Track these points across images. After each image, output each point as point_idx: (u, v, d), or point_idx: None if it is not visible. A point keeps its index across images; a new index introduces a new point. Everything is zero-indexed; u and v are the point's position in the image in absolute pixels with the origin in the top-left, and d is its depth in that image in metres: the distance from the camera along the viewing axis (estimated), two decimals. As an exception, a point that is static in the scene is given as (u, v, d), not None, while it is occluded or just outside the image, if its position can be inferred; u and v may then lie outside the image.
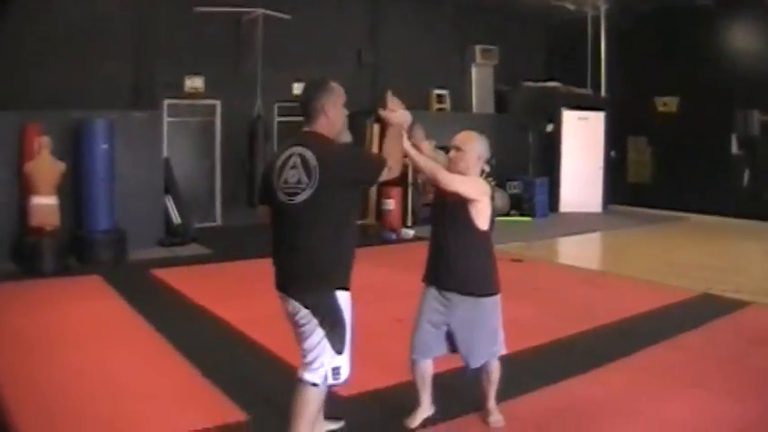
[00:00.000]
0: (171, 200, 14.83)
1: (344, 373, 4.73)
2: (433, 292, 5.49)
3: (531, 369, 6.91)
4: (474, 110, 20.97)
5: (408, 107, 14.62)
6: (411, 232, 15.99)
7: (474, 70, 21.04)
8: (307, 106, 4.78)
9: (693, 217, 19.28)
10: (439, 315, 5.43)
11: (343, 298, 4.66)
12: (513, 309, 8.95)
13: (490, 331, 5.45)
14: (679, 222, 19.05)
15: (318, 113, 4.74)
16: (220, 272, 12.11)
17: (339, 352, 4.65)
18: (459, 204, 5.29)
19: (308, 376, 4.65)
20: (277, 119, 17.93)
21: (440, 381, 5.82)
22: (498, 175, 18.37)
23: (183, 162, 16.49)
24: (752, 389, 6.60)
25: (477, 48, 20.74)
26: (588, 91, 21.40)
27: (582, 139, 20.69)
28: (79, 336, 8.27)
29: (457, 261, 5.36)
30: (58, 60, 14.20)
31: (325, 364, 4.62)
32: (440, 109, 20.30)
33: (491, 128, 18.87)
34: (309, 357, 4.65)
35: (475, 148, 5.51)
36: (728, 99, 18.59)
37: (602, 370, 7.03)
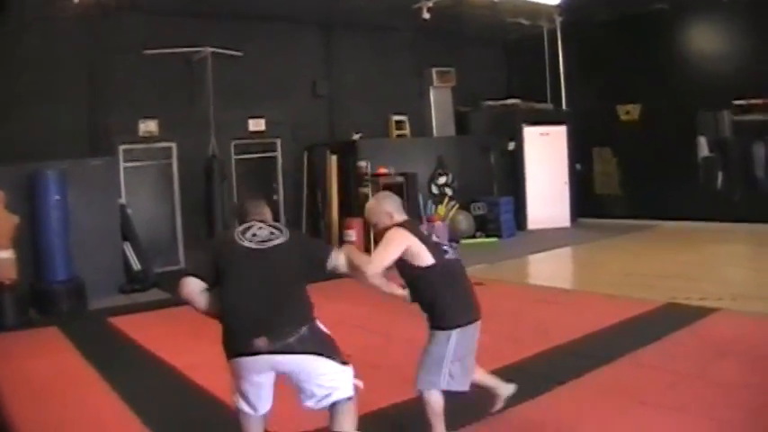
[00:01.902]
0: (129, 246, 14.65)
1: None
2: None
3: (477, 398, 6.72)
4: (435, 133, 20.73)
5: (367, 135, 14.73)
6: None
7: (432, 93, 20.84)
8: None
9: (664, 224, 19.25)
10: None
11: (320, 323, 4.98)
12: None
13: (434, 360, 5.44)
14: (648, 231, 18.95)
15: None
16: (177, 317, 11.71)
17: (345, 363, 4.93)
18: (401, 261, 5.44)
19: (338, 395, 4.86)
20: (234, 157, 17.76)
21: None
22: (462, 197, 18.34)
23: (143, 206, 16.31)
24: (704, 404, 6.35)
25: (434, 70, 20.57)
26: (549, 105, 21.31)
27: (545, 155, 20.57)
28: (28, 391, 8.09)
29: (420, 301, 5.61)
30: (10, 111, 14.02)
31: (347, 378, 4.91)
32: (400, 135, 20.10)
33: (452, 150, 19.02)
34: (328, 387, 4.83)
35: (379, 212, 5.70)
36: (692, 102, 18.57)
37: (550, 394, 6.77)
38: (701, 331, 9.02)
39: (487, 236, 19.00)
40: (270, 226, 5.06)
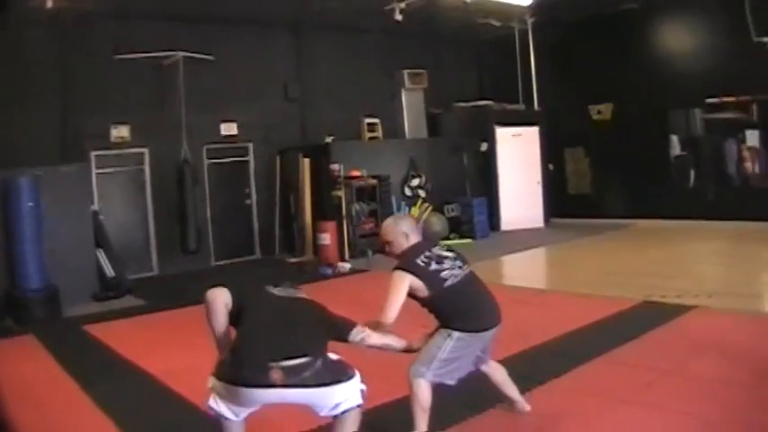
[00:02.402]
0: (102, 253, 14.57)
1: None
2: None
3: (455, 399, 6.68)
4: (407, 135, 20.67)
5: (340, 138, 14.68)
6: (347, 266, 15.78)
7: (404, 95, 20.74)
8: None
9: (638, 223, 19.31)
10: None
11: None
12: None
13: (429, 353, 5.62)
14: (622, 230, 18.99)
15: None
16: (151, 323, 11.87)
17: (351, 376, 4.92)
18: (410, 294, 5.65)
19: (348, 404, 4.88)
20: (207, 161, 17.64)
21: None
22: (435, 198, 18.32)
23: (116, 213, 16.22)
24: (684, 401, 6.34)
25: (406, 72, 20.48)
26: (521, 106, 21.31)
27: (518, 155, 20.59)
28: (3, 399, 7.96)
29: (435, 315, 5.82)
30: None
31: (354, 386, 4.91)
32: (372, 137, 20.04)
33: (425, 152, 18.98)
34: (341, 399, 4.85)
35: (397, 231, 5.90)
36: (664, 101, 18.63)
37: (530, 394, 6.65)
38: (679, 329, 9.02)
39: (461, 237, 18.98)
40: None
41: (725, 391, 6.66)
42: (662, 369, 7.35)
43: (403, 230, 5.86)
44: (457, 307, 5.68)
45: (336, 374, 4.76)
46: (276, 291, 5.17)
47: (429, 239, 6.21)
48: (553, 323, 9.57)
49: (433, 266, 5.66)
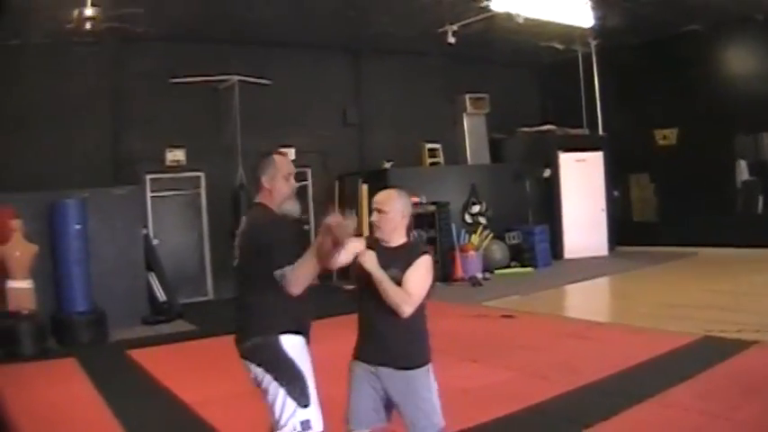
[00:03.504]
0: (154, 276, 14.46)
1: (316, 426, 4.65)
2: (361, 365, 5.01)
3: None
4: (468, 161, 20.44)
5: (400, 164, 14.43)
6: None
7: (466, 120, 20.57)
8: (252, 179, 5.06)
9: (703, 251, 18.73)
10: (371, 388, 4.96)
11: (291, 343, 4.66)
12: (488, 374, 8.63)
13: (428, 402, 4.97)
14: (686, 259, 18.44)
15: (259, 185, 4.93)
16: (197, 349, 11.75)
17: (305, 405, 4.60)
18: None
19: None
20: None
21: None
22: (496, 226, 18.01)
23: (170, 236, 16.15)
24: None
25: (468, 97, 20.29)
26: (585, 131, 20.94)
27: (581, 181, 20.19)
28: (37, 423, 8.03)
29: (389, 334, 4.90)
30: (31, 138, 13.95)
31: (293, 420, 4.57)
32: (433, 163, 19.78)
33: (486, 178, 18.74)
34: (276, 416, 4.60)
35: (397, 207, 5.05)
36: (729, 125, 18.26)
37: (574, 438, 6.41)
38: (737, 367, 8.55)
39: (522, 265, 18.63)
40: (242, 227, 4.90)
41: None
42: (713, 413, 6.92)
43: (402, 210, 5.06)
44: (424, 324, 5.06)
45: (281, 376, 4.58)
46: (235, 249, 4.98)
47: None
48: (607, 359, 9.16)
49: None
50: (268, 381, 4.57)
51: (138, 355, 11.20)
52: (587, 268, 18.07)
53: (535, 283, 16.39)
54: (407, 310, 4.70)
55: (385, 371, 4.91)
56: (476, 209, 18.80)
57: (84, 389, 9.41)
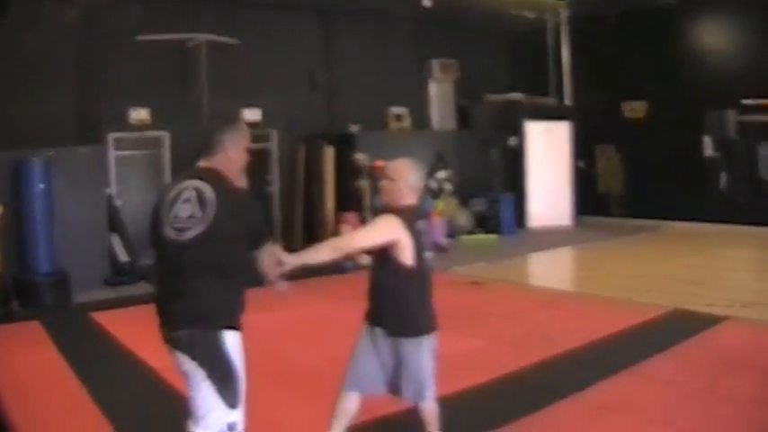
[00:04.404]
0: (117, 237, 14.27)
1: (240, 428, 4.23)
2: (368, 328, 5.11)
3: (472, 411, 6.29)
4: (435, 127, 20.34)
5: (367, 128, 14.27)
6: (368, 259, 15.41)
7: (433, 86, 20.42)
8: (208, 139, 4.37)
9: (668, 225, 18.77)
10: (373, 352, 5.06)
11: (232, 340, 4.17)
12: (463, 340, 8.54)
13: (419, 373, 5.00)
14: (652, 232, 18.45)
15: (218, 149, 4.31)
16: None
17: (233, 406, 4.15)
18: (384, 253, 4.91)
19: (195, 431, 4.17)
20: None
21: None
22: (461, 192, 17.94)
23: (133, 197, 15.86)
24: (715, 423, 5.97)
25: (436, 62, 20.13)
26: (552, 100, 20.86)
27: (548, 151, 20.13)
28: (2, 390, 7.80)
29: (386, 301, 5.00)
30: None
31: (219, 421, 4.13)
32: (399, 128, 19.59)
33: (452, 144, 18.64)
34: (200, 412, 4.15)
35: (408, 177, 5.06)
36: (698, 100, 18.07)
37: (551, 408, 6.32)
38: (710, 341, 8.60)
39: (486, 232, 18.60)
40: (198, 197, 4.13)
41: (758, 412, 6.25)
42: (693, 386, 6.93)
43: (411, 182, 5.06)
44: (421, 294, 5.08)
45: (215, 374, 4.15)
46: (168, 227, 4.26)
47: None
48: (579, 329, 9.16)
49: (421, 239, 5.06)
50: (199, 377, 4.11)
51: (101, 317, 11.05)
52: (552, 237, 18.10)
53: (500, 251, 16.38)
54: (336, 254, 4.88)
55: (379, 332, 5.02)
56: (441, 175, 18.69)
57: (48, 355, 9.27)
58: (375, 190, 16.46)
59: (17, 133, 13.21)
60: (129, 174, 16.00)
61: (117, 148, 15.73)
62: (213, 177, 4.22)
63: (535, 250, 16.58)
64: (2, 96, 13.51)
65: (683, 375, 7.25)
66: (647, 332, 9.07)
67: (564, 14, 20.13)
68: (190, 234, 4.08)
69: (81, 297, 12.55)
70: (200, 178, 4.21)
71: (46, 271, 12.47)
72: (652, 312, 9.86)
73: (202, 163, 4.34)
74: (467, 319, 9.88)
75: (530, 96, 20.67)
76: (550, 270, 15.29)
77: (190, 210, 4.11)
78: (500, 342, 8.73)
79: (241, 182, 4.47)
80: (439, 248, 16.41)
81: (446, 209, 17.90)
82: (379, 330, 5.01)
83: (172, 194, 4.24)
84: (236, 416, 4.19)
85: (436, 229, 17.09)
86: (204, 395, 4.12)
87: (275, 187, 18.09)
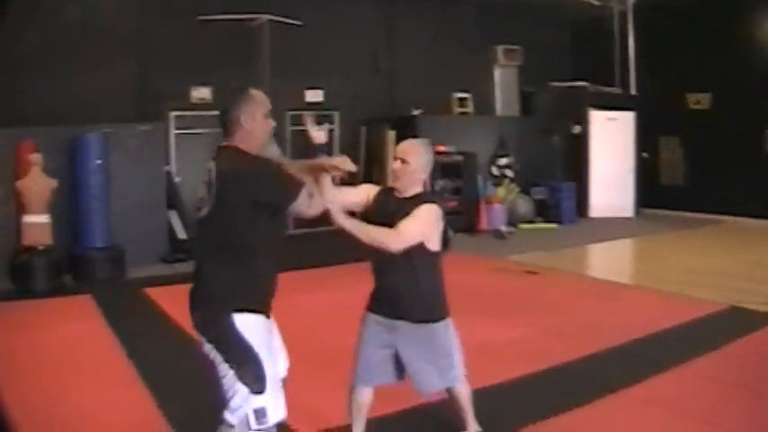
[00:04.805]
0: (175, 214, 14.33)
1: (274, 415, 4.10)
2: (376, 318, 4.99)
3: (518, 402, 6.25)
4: (498, 113, 20.20)
5: (428, 112, 14.13)
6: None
7: (497, 72, 20.29)
8: (222, 118, 4.26)
9: (730, 220, 18.41)
10: (383, 343, 4.96)
11: (247, 323, 4.08)
12: (512, 329, 8.51)
13: (446, 356, 4.99)
14: (714, 226, 18.11)
15: (234, 126, 4.19)
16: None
17: (258, 391, 4.04)
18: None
19: (226, 415, 4.11)
20: (290, 128, 17.26)
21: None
22: (522, 180, 17.81)
23: (193, 175, 15.92)
24: (761, 425, 5.84)
25: (500, 48, 19.98)
26: (617, 90, 20.59)
27: (611, 141, 19.90)
28: (45, 360, 7.98)
29: (406, 287, 4.86)
30: (54, 72, 13.64)
31: (244, 406, 4.04)
32: (462, 113, 19.48)
33: (515, 131, 18.58)
34: (227, 396, 4.10)
35: (421, 159, 4.95)
36: (765, 93, 17.69)
37: (599, 403, 6.23)
38: (764, 340, 8.39)
39: (547, 221, 18.48)
40: (208, 178, 4.12)
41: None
42: (742, 385, 6.76)
43: (425, 162, 4.96)
44: (441, 277, 5.03)
45: (231, 357, 4.09)
46: (196, 202, 4.34)
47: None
48: (631, 323, 9.01)
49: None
50: (219, 360, 4.08)
51: (154, 293, 11.10)
52: (612, 228, 17.87)
53: (559, 240, 16.21)
54: (393, 245, 4.58)
55: (402, 324, 4.88)
56: (503, 161, 18.61)
57: (97, 326, 9.38)
58: (435, 174, 16.43)
59: (77, 109, 13.32)
60: (189, 152, 16.04)
61: (178, 127, 15.85)
62: (224, 155, 4.21)
63: (594, 241, 16.41)
64: (64, 74, 13.61)
65: (732, 374, 7.10)
66: (700, 328, 8.90)
67: (630, 1, 19.84)
68: (201, 215, 4.13)
69: (136, 273, 12.64)
70: (215, 158, 4.20)
71: (100, 245, 12.58)
72: (707, 309, 9.68)
73: (223, 143, 4.29)
74: (518, 308, 9.86)
75: (594, 85, 20.40)
76: (607, 261, 15.11)
77: (203, 191, 4.14)
78: (550, 332, 8.63)
79: (272, 150, 4.55)
80: (498, 235, 16.35)
81: (507, 196, 17.78)
82: (399, 323, 4.88)
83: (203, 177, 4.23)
84: (264, 401, 4.07)
85: (496, 215, 17.01)
86: (226, 379, 4.08)
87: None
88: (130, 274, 12.64)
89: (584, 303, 10.32)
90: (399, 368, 4.98)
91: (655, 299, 10.58)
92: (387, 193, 5.01)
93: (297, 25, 16.24)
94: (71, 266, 12.36)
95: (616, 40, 20.61)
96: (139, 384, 7.02)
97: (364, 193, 4.99)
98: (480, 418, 5.34)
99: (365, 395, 5.09)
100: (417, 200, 4.83)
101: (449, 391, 5.16)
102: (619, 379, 6.83)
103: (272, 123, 4.34)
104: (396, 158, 4.98)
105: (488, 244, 15.91)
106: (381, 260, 4.90)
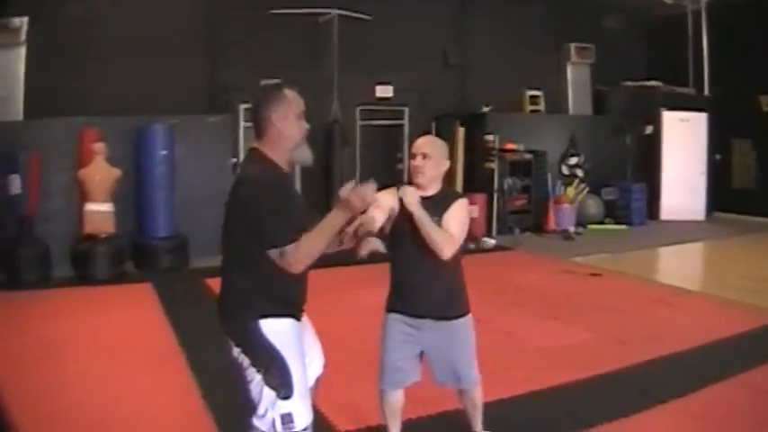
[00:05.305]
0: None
1: (301, 421, 4.05)
2: (399, 317, 4.97)
3: (568, 408, 6.17)
4: (570, 111, 20.04)
5: (500, 109, 14.05)
6: (492, 242, 15.34)
7: (570, 69, 20.12)
8: (253, 117, 4.20)
9: (803, 226, 17.98)
10: (410, 343, 4.96)
11: (275, 328, 4.03)
12: (570, 333, 8.48)
13: (470, 353, 5.07)
14: (786, 232, 17.67)
15: (266, 125, 4.11)
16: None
17: (285, 397, 4.01)
18: None
19: (255, 421, 4.10)
20: (359, 122, 17.31)
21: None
22: (592, 180, 17.65)
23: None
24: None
25: (573, 46, 19.82)
26: (690, 90, 20.29)
27: (683, 142, 19.59)
28: (99, 347, 8.18)
29: (430, 285, 4.85)
30: (123, 63, 13.87)
31: (271, 411, 4.02)
32: (534, 110, 19.37)
33: (586, 130, 18.45)
34: (254, 401, 4.08)
35: (441, 153, 4.98)
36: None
37: (649, 414, 6.11)
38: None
39: (617, 223, 18.31)
40: (237, 176, 4.18)
41: None
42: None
43: (444, 155, 4.96)
44: (462, 274, 5.04)
45: (257, 361, 4.05)
46: None
47: None
48: (691, 330, 8.91)
49: None
50: (246, 364, 4.05)
51: (215, 283, 11.03)
52: (682, 231, 17.56)
53: (627, 243, 16.04)
54: (448, 252, 4.61)
55: (427, 322, 4.89)
56: (573, 160, 18.44)
57: (153, 315, 9.57)
58: (504, 172, 16.36)
59: (148, 101, 13.54)
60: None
61: (248, 119, 15.88)
62: (247, 161, 4.22)
63: (663, 244, 16.18)
64: (134, 64, 13.81)
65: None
66: (760, 339, 8.68)
67: (704, 0, 19.52)
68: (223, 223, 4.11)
69: (199, 263, 12.69)
70: (243, 161, 4.27)
71: (163, 235, 12.83)
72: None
73: (254, 144, 4.21)
74: (578, 312, 9.79)
75: (667, 85, 20.13)
76: (674, 266, 14.87)
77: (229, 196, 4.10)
78: (607, 338, 8.53)
79: (304, 153, 4.29)
80: (566, 236, 16.25)
81: (576, 196, 17.63)
82: (424, 321, 4.88)
83: None
84: (291, 406, 4.03)
85: (564, 215, 16.88)
86: (254, 384, 4.06)
87: (405, 164, 18.02)
88: (194, 264, 12.81)
89: (645, 308, 10.18)
90: (419, 367, 5.04)
91: (717, 306, 10.37)
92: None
93: (366, 20, 16.27)
94: (135, 255, 12.65)
95: (690, 39, 20.31)
96: (187, 374, 7.13)
97: (386, 205, 4.77)
98: (524, 423, 5.44)
99: (397, 398, 5.09)
100: (444, 196, 4.89)
101: (463, 391, 5.19)
102: (671, 389, 6.69)
103: (306, 125, 4.25)
104: (415, 155, 4.89)
105: (555, 244, 15.84)
106: (401, 258, 4.93)
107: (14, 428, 5.64)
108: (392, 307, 5.02)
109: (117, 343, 8.24)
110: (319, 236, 3.88)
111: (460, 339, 4.94)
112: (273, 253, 3.85)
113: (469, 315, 5.01)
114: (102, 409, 6.16)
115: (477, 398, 5.23)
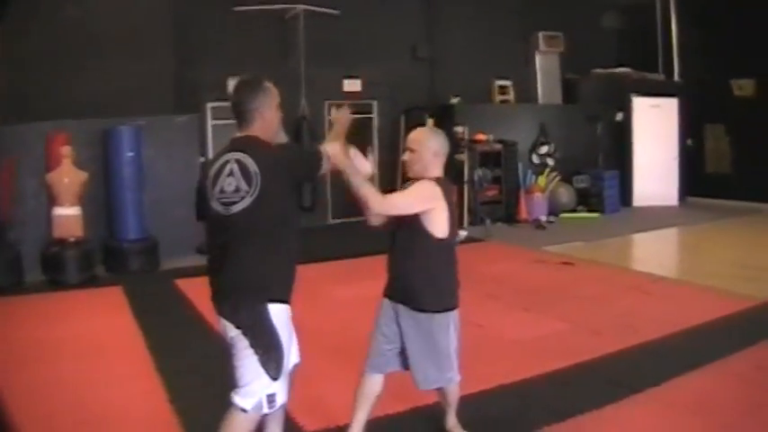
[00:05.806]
0: (212, 205, 14.31)
1: (280, 400, 4.34)
2: (386, 302, 5.04)
3: (540, 400, 6.07)
4: (540, 100, 19.91)
5: (470, 100, 14.03)
6: (463, 233, 15.16)
7: (538, 58, 19.99)
8: (240, 108, 4.40)
9: (777, 209, 17.99)
10: (391, 328, 4.98)
11: (278, 312, 4.24)
12: (543, 324, 8.41)
13: (443, 353, 4.93)
14: (759, 216, 17.64)
15: (254, 116, 4.36)
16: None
17: (275, 378, 4.23)
18: (415, 220, 4.79)
19: (238, 400, 4.26)
20: (328, 117, 17.12)
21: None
22: (564, 168, 17.61)
23: (230, 166, 15.92)
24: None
25: (541, 35, 19.71)
26: (660, 76, 20.30)
27: (655, 128, 19.62)
28: (68, 352, 8.02)
29: (410, 273, 4.89)
30: (86, 63, 13.62)
31: (260, 391, 4.22)
32: (503, 101, 19.27)
33: (556, 118, 18.43)
34: (242, 381, 4.25)
35: (429, 145, 4.94)
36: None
37: (622, 404, 6.02)
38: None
39: (589, 210, 18.27)
40: (241, 170, 4.18)
41: None
42: (770, 386, 6.49)
43: (434, 149, 4.92)
44: (449, 268, 5.02)
45: (258, 344, 4.23)
46: (215, 202, 4.37)
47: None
48: (666, 318, 8.76)
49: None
50: (243, 345, 4.19)
51: (184, 284, 11.12)
52: (656, 218, 17.60)
53: (601, 230, 15.97)
54: (374, 206, 4.63)
55: (402, 309, 4.90)
56: (544, 149, 18.39)
57: (122, 318, 9.43)
58: (474, 163, 16.30)
59: (115, 102, 13.37)
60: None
61: (214, 117, 15.79)
62: (251, 146, 4.28)
63: (636, 231, 16.10)
64: (100, 66, 13.62)
65: (762, 373, 6.84)
66: (739, 325, 8.56)
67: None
68: (238, 207, 4.16)
69: (170, 264, 12.72)
70: (240, 150, 4.26)
71: (133, 237, 12.68)
72: (747, 304, 9.34)
73: (239, 133, 4.42)
74: (551, 302, 9.70)
75: (638, 71, 20.11)
76: (649, 252, 14.77)
77: (235, 183, 4.18)
78: (582, 327, 8.43)
79: (280, 138, 4.67)
80: (538, 225, 16.24)
81: (547, 185, 17.58)
82: (401, 307, 4.89)
83: (214, 169, 4.32)
84: (276, 387, 4.25)
85: (536, 205, 16.85)
86: (247, 364, 4.19)
87: (375, 158, 17.90)
88: (165, 265, 12.73)
89: (619, 296, 10.09)
90: (405, 357, 4.98)
91: (692, 293, 10.28)
92: (409, 184, 4.97)
93: (333, 15, 16.12)
94: (105, 258, 12.54)
95: (659, 25, 20.28)
96: (153, 377, 7.03)
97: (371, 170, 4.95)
98: (496, 417, 5.42)
99: (375, 383, 5.05)
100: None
101: (440, 388, 5.14)
102: (646, 378, 6.59)
103: (281, 114, 4.54)
104: (405, 149, 5.03)
105: (527, 234, 15.77)
106: (393, 247, 4.98)
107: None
108: (384, 291, 5.07)
109: (85, 348, 8.12)
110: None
111: (431, 335, 4.85)
112: (324, 163, 4.37)
113: (451, 314, 4.94)
114: (73, 415, 6.11)
115: (452, 396, 5.22)
